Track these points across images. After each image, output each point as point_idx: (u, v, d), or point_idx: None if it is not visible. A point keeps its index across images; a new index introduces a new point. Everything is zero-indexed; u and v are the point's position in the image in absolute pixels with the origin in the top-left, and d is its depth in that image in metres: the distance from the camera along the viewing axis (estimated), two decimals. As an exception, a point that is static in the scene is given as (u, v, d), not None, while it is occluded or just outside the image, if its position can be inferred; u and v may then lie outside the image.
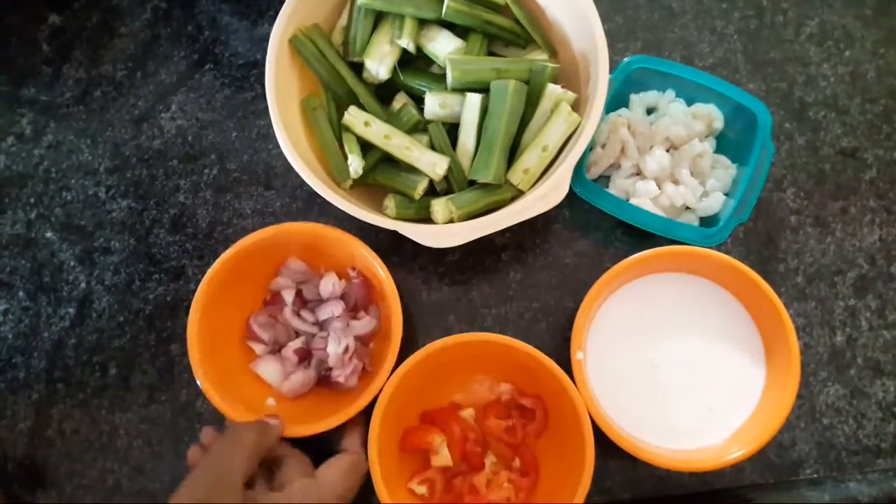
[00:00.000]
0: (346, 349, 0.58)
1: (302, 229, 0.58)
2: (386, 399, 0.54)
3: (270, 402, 0.59)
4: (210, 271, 0.57)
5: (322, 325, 0.61)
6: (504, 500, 0.56)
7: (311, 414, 0.57)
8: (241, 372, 0.59)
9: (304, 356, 0.60)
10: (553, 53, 0.62)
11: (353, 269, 0.60)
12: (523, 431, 0.58)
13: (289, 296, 0.61)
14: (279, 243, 0.60)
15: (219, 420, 0.62)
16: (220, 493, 0.45)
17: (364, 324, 0.59)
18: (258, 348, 0.60)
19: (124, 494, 0.61)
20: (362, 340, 0.60)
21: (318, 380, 0.60)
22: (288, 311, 0.61)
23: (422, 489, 0.56)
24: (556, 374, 0.53)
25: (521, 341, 0.54)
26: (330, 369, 0.59)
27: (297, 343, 0.60)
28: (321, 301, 0.62)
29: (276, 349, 0.61)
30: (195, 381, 0.55)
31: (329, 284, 0.61)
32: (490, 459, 0.58)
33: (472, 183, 0.60)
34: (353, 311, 0.61)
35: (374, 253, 0.57)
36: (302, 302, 0.62)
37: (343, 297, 0.61)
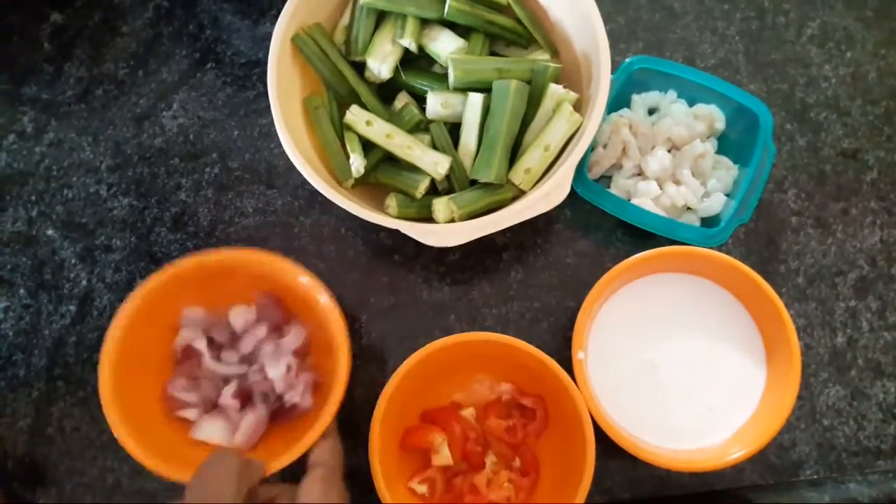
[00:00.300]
0: (289, 368, 0.54)
1: (184, 267, 0.54)
2: (386, 399, 0.53)
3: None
4: (102, 367, 0.52)
5: (250, 359, 0.57)
6: (504, 499, 0.56)
7: (278, 449, 0.52)
8: (185, 446, 0.54)
9: (246, 397, 0.55)
10: (555, 53, 0.62)
11: (257, 291, 0.57)
12: (524, 431, 0.58)
13: (200, 344, 0.56)
14: (168, 294, 0.55)
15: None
16: None
17: (294, 336, 0.55)
18: (191, 414, 0.54)
19: (124, 493, 0.61)
20: (299, 355, 0.56)
21: (269, 416, 0.55)
22: (207, 360, 0.55)
23: (422, 488, 0.56)
24: (557, 373, 0.53)
25: (523, 341, 0.54)
26: (279, 398, 0.55)
27: (231, 388, 0.54)
28: (237, 336, 0.57)
29: (210, 406, 0.55)
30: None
31: (240, 314, 0.56)
32: (490, 459, 0.58)
33: (473, 182, 0.60)
34: (275, 331, 0.57)
35: (281, 259, 0.53)
36: (216, 347, 0.57)
37: (259, 321, 0.57)
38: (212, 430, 0.54)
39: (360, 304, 0.64)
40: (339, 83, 0.61)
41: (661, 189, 0.62)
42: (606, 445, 0.53)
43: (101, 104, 0.71)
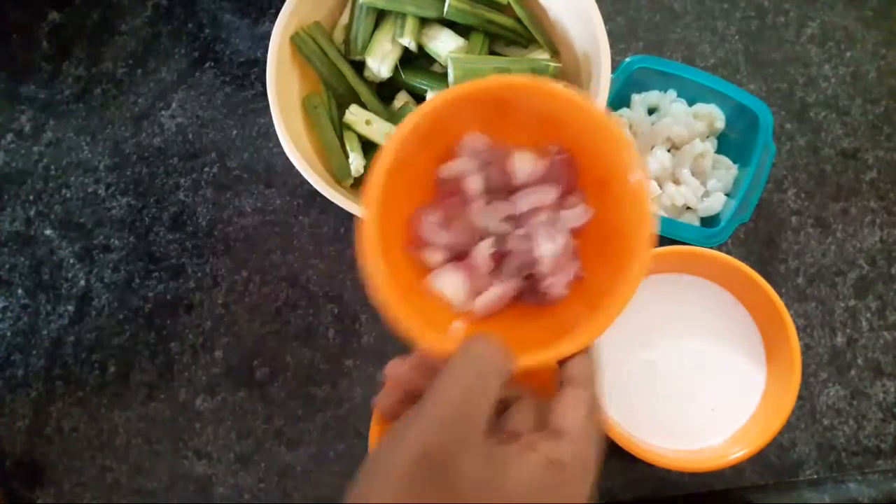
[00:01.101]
0: (566, 247, 0.43)
1: (476, 88, 0.41)
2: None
3: (457, 325, 0.42)
4: (385, 154, 0.39)
5: (519, 220, 0.45)
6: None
7: (519, 339, 0.38)
8: (412, 293, 0.43)
9: (501, 261, 0.44)
10: (555, 53, 0.62)
11: (555, 144, 0.44)
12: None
13: (476, 182, 0.43)
14: (456, 112, 0.42)
15: (218, 419, 0.62)
16: (467, 437, 0.31)
17: (578, 213, 0.44)
18: (434, 257, 0.43)
19: (123, 493, 0.61)
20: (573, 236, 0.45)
21: (517, 290, 0.44)
22: (479, 203, 0.44)
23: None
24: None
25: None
26: (530, 276, 0.44)
27: (487, 245, 0.43)
28: (512, 189, 0.45)
29: (459, 256, 0.45)
30: (194, 380, 0.55)
31: (527, 162, 0.44)
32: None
33: (473, 182, 0.59)
34: (560, 198, 0.45)
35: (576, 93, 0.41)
36: (487, 191, 0.45)
37: (545, 180, 0.45)
38: (451, 283, 0.43)
39: (360, 304, 0.64)
40: (339, 82, 0.61)
41: (660, 189, 0.62)
42: (606, 445, 0.53)
43: (99, 103, 0.70)
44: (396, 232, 0.43)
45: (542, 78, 0.42)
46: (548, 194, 0.43)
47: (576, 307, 0.42)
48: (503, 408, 0.36)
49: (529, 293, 0.44)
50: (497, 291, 0.43)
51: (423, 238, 0.43)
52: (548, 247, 0.42)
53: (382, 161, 0.39)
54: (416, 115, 0.40)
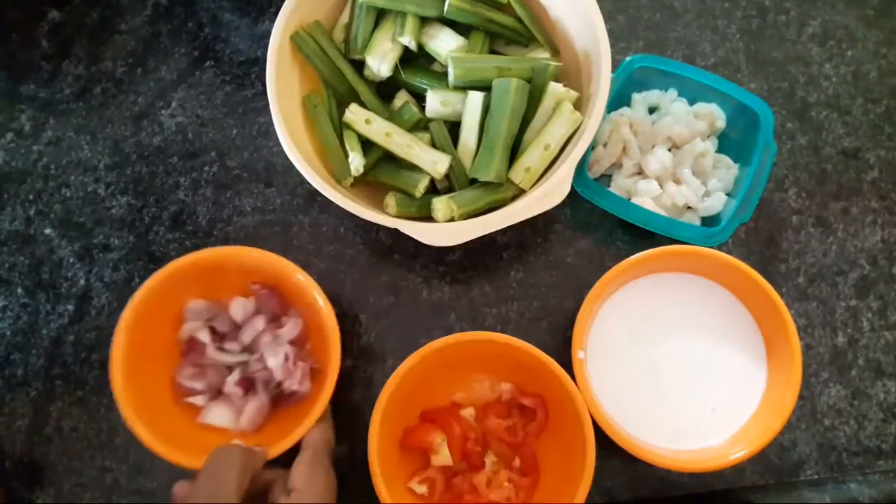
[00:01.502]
0: (287, 357, 0.56)
1: (191, 260, 0.56)
2: (386, 398, 0.53)
3: (235, 443, 0.55)
4: (114, 350, 0.54)
5: (250, 348, 0.59)
6: (504, 499, 0.56)
7: (279, 433, 0.54)
8: (193, 430, 0.56)
9: (248, 384, 0.57)
10: (555, 52, 0.62)
11: (255, 283, 0.59)
12: (524, 431, 0.58)
13: (204, 335, 0.58)
14: (172, 288, 0.57)
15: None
16: None
17: (291, 327, 0.58)
18: (198, 400, 0.57)
19: (122, 493, 0.61)
20: (297, 344, 0.58)
21: (271, 402, 0.58)
22: (211, 350, 0.58)
23: (422, 489, 0.56)
24: (556, 373, 0.53)
25: (522, 340, 0.54)
26: (279, 385, 0.57)
27: (234, 376, 0.57)
28: (238, 327, 0.59)
29: (216, 393, 0.58)
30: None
31: (239, 307, 0.59)
32: (490, 459, 0.58)
33: (473, 181, 0.59)
34: (273, 321, 0.59)
35: (274, 255, 0.56)
36: (219, 337, 0.59)
37: (257, 312, 0.59)
38: (218, 416, 0.57)
39: (360, 304, 0.64)
40: (339, 81, 0.61)
41: (661, 188, 0.61)
42: (606, 445, 0.53)
43: (99, 102, 0.70)
44: (160, 394, 0.57)
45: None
46: (259, 321, 0.58)
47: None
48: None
49: (284, 399, 0.57)
50: (254, 407, 0.56)
51: (185, 388, 0.57)
52: (273, 360, 0.56)
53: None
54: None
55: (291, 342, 0.58)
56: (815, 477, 0.60)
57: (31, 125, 0.70)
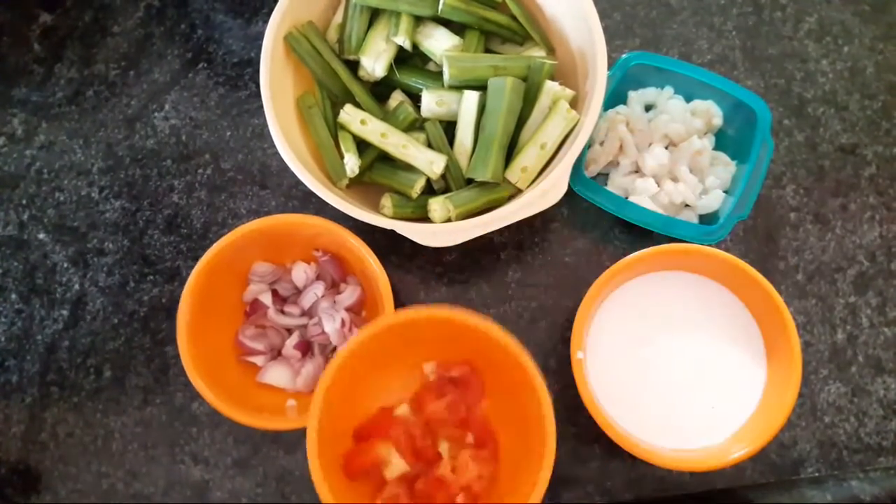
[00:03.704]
0: (343, 323, 0.58)
1: (256, 227, 0.57)
2: (315, 431, 0.49)
3: (291, 403, 0.58)
4: (183, 305, 0.55)
5: (310, 313, 0.61)
6: (476, 479, 0.52)
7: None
8: (251, 388, 0.59)
9: (306, 347, 0.60)
10: (551, 50, 0.62)
11: (317, 249, 0.60)
12: (464, 403, 0.54)
13: (266, 298, 0.61)
14: (238, 251, 0.58)
15: (215, 423, 0.62)
16: None
17: (349, 294, 0.60)
18: (258, 360, 0.60)
19: (119, 498, 0.60)
20: (353, 311, 0.60)
21: (326, 363, 0.57)
22: (272, 313, 0.60)
23: None
24: (486, 331, 0.50)
25: (433, 307, 0.52)
26: (335, 349, 0.59)
27: (293, 339, 0.60)
28: (299, 291, 0.61)
29: (276, 354, 0.60)
30: (190, 384, 0.54)
31: (301, 272, 0.61)
32: (444, 446, 0.54)
33: (469, 181, 0.59)
34: (333, 287, 0.61)
35: (332, 223, 0.56)
36: (281, 300, 0.62)
37: (318, 278, 0.61)
38: (276, 376, 0.59)
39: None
40: (333, 82, 0.61)
41: (658, 186, 0.61)
42: (606, 445, 0.52)
43: (92, 106, 0.70)
44: (224, 352, 0.59)
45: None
46: (319, 287, 0.60)
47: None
48: None
49: None
50: (310, 369, 0.59)
51: (247, 347, 0.59)
52: (330, 325, 0.58)
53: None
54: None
55: (348, 308, 0.59)
56: (816, 475, 0.59)
57: (23, 129, 0.69)
